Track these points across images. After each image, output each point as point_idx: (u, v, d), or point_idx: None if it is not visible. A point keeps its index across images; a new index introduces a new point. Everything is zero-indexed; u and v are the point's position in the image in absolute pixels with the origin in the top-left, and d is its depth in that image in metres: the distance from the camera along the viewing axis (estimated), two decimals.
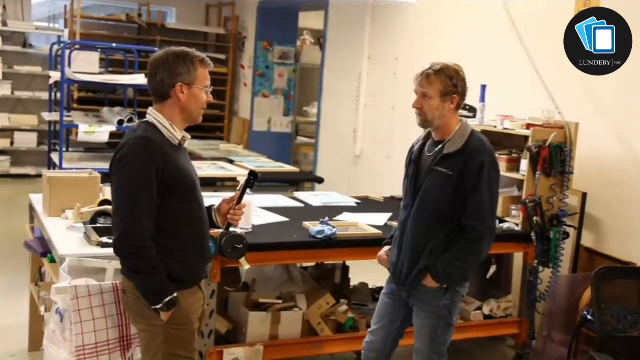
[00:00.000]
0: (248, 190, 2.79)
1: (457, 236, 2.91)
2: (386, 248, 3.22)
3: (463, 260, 2.92)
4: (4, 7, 9.26)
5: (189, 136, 2.66)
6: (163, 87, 2.54)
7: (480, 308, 4.30)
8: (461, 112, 4.53)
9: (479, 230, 2.88)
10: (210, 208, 2.79)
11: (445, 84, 2.88)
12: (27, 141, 9.38)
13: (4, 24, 9.09)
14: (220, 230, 2.96)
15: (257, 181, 2.83)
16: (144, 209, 2.44)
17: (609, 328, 3.53)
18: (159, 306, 2.48)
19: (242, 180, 3.37)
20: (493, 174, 2.90)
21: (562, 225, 4.16)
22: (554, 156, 4.07)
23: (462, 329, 4.07)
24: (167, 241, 2.52)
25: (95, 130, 5.76)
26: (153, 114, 2.57)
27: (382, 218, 4.13)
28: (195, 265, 2.65)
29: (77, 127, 5.85)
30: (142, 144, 2.47)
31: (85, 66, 7.13)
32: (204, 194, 2.73)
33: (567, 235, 4.21)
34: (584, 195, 4.43)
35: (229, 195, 2.86)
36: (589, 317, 3.82)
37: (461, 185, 2.87)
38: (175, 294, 2.51)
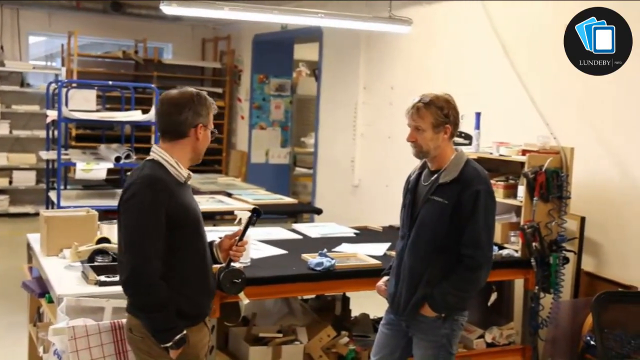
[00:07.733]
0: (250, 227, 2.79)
1: (454, 265, 2.90)
2: (385, 278, 3.22)
3: (461, 289, 2.91)
4: (1, 47, 9.35)
5: (192, 174, 2.69)
6: (183, 126, 2.56)
7: (482, 336, 4.26)
8: (457, 139, 4.59)
9: (475, 258, 2.88)
10: (211, 244, 2.79)
11: (437, 115, 2.89)
12: (25, 180, 9.41)
13: (2, 64, 9.18)
14: (220, 265, 2.95)
15: (259, 218, 2.84)
16: (152, 248, 2.45)
17: (612, 353, 3.52)
18: (168, 344, 2.48)
19: (240, 214, 3.37)
20: (489, 202, 2.90)
21: (561, 250, 4.14)
22: (550, 181, 4.07)
23: (465, 358, 4.04)
24: (174, 278, 2.52)
25: (92, 167, 5.74)
26: (158, 152, 2.58)
27: (381, 248, 4.12)
28: (202, 301, 2.66)
29: (74, 165, 5.83)
30: (148, 183, 2.48)
31: (82, 104, 7.14)
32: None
33: (567, 260, 4.19)
34: (583, 220, 4.43)
35: (228, 229, 2.86)
36: (592, 342, 3.80)
37: (457, 214, 2.87)
38: (185, 332, 2.51)
